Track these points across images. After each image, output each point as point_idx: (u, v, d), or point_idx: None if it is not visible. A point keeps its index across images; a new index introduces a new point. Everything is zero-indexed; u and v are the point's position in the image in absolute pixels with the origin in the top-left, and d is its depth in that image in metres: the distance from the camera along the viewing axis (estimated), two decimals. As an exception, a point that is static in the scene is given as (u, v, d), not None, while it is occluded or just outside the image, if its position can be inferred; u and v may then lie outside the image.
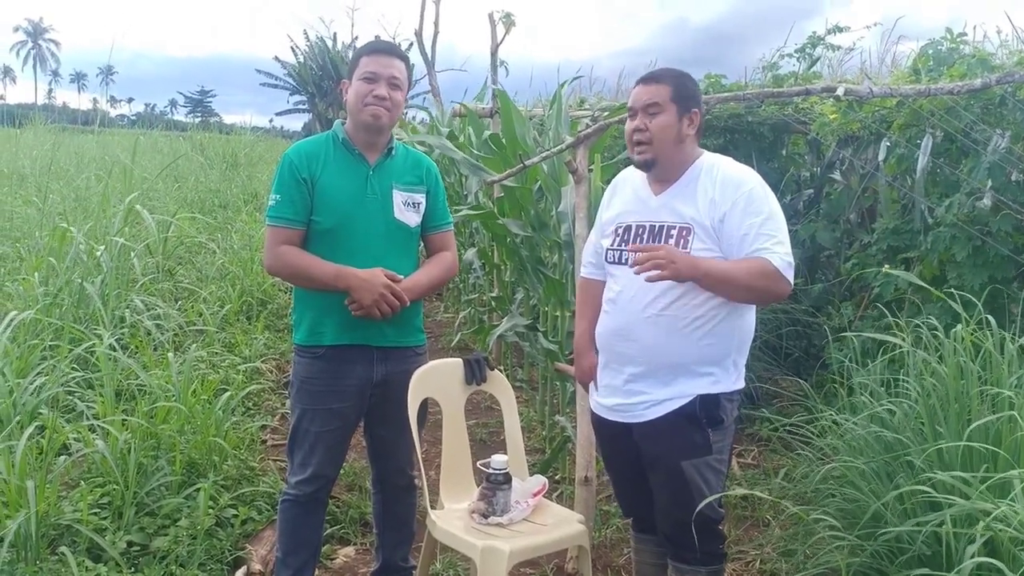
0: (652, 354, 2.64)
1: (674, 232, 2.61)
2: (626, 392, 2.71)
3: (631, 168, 2.92)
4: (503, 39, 7.06)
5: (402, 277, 2.91)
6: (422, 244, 3.17)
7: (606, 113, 4.94)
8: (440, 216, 3.13)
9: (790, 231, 5.28)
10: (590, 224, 3.42)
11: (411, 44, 16.07)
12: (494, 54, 7.02)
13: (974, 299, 2.88)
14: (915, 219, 4.17)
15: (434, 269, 3.09)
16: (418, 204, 3.03)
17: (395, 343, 3.00)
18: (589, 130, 3.92)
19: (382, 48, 2.99)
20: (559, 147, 4.06)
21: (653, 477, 2.74)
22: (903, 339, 2.96)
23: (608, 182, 3.08)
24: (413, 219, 3.01)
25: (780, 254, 2.50)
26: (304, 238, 2.90)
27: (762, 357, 5.15)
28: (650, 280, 2.45)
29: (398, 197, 2.97)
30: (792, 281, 2.54)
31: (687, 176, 2.67)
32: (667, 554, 2.81)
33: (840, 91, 3.50)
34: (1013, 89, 3.54)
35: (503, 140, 5.38)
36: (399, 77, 2.90)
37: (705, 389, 2.62)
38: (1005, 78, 3.36)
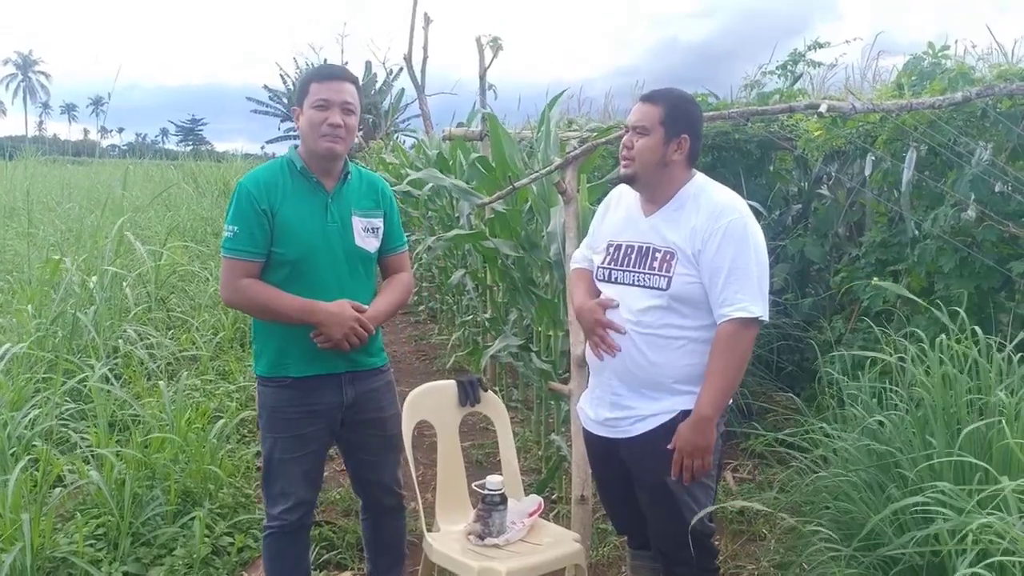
0: (635, 372, 2.67)
1: (659, 255, 2.64)
2: (612, 407, 2.74)
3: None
4: (491, 63, 7.11)
5: (366, 307, 2.89)
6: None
7: (594, 134, 4.98)
8: (396, 238, 3.09)
9: (779, 247, 5.36)
10: (580, 242, 3.45)
11: (400, 69, 16.18)
12: (482, 78, 7.06)
13: (959, 310, 2.90)
14: (902, 232, 4.21)
15: (393, 293, 3.06)
16: (377, 229, 2.99)
17: (361, 366, 2.98)
18: (577, 151, 3.95)
19: (332, 73, 2.89)
20: (548, 168, 4.09)
21: (641, 493, 2.75)
22: (890, 353, 2.98)
23: (597, 202, 3.11)
24: (373, 244, 2.98)
25: (745, 305, 2.51)
26: (263, 269, 2.83)
27: (755, 372, 5.18)
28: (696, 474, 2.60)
29: (358, 224, 2.93)
30: (762, 313, 2.54)
31: (675, 201, 2.69)
32: (661, 570, 2.82)
33: (823, 108, 3.54)
34: (994, 102, 3.59)
35: (492, 163, 5.41)
36: (351, 102, 2.84)
37: (689, 405, 2.62)
38: (985, 91, 3.41)
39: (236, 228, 2.78)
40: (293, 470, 2.92)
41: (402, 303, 3.15)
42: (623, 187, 2.94)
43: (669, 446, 2.58)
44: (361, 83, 2.99)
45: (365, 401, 2.97)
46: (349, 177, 2.95)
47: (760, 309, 2.53)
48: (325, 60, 36.30)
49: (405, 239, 3.19)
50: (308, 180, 2.88)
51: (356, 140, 2.95)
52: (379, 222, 3.00)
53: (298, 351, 2.86)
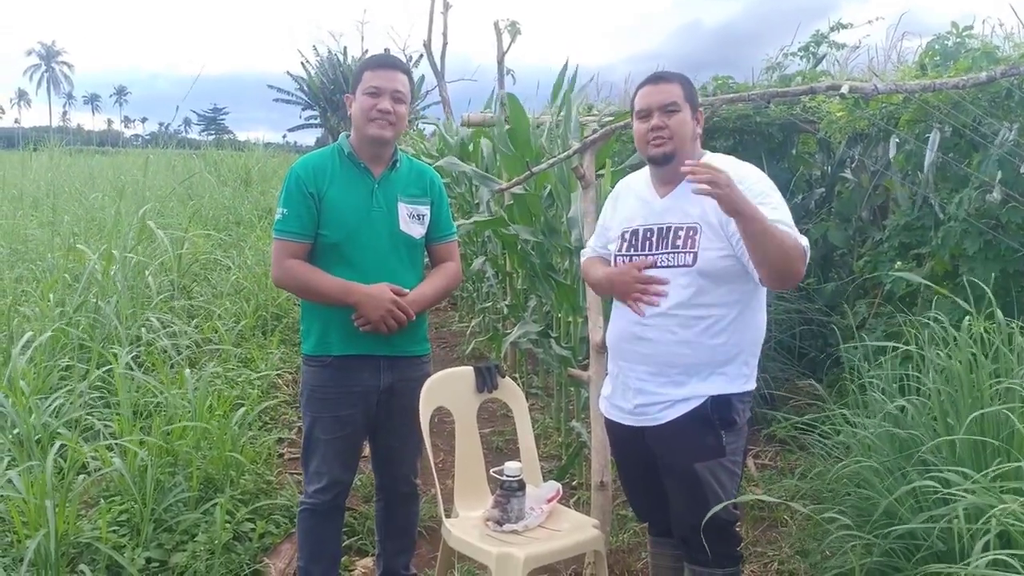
0: (662, 355, 2.64)
1: (681, 232, 2.62)
2: (638, 394, 2.71)
3: (632, 175, 2.95)
4: (509, 47, 7.10)
5: (407, 291, 2.94)
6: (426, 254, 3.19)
7: (612, 118, 4.95)
8: (444, 227, 3.16)
9: (802, 231, 5.31)
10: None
11: (420, 56, 16.17)
12: (500, 63, 7.05)
13: (982, 294, 2.86)
14: (926, 215, 4.15)
15: (439, 280, 3.12)
16: (423, 216, 3.06)
17: (401, 352, 3.04)
18: (595, 135, 3.93)
19: (385, 62, 3.02)
20: (565, 153, 4.06)
21: (667, 480, 2.73)
22: (913, 336, 2.95)
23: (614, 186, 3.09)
24: (418, 231, 3.05)
25: (802, 239, 2.49)
26: (310, 251, 2.93)
27: (777, 357, 5.14)
28: (698, 191, 2.31)
29: (403, 210, 3.01)
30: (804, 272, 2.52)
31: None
32: (683, 557, 2.81)
33: (845, 89, 3.49)
34: (1019, 81, 3.53)
35: (512, 146, 5.38)
36: (402, 91, 2.94)
37: (717, 390, 2.61)
38: (1010, 71, 3.34)
39: (286, 210, 2.91)
40: (329, 450, 3.01)
41: (447, 291, 3.22)
42: (628, 178, 2.95)
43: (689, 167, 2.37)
44: None
45: (401, 389, 3.03)
46: (398, 164, 3.05)
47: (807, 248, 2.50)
48: (344, 48, 36.39)
49: (454, 229, 3.25)
50: (356, 165, 2.98)
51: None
52: (425, 210, 3.07)
53: (340, 331, 2.95)
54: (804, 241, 2.49)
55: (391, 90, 2.90)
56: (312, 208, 2.90)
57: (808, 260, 2.51)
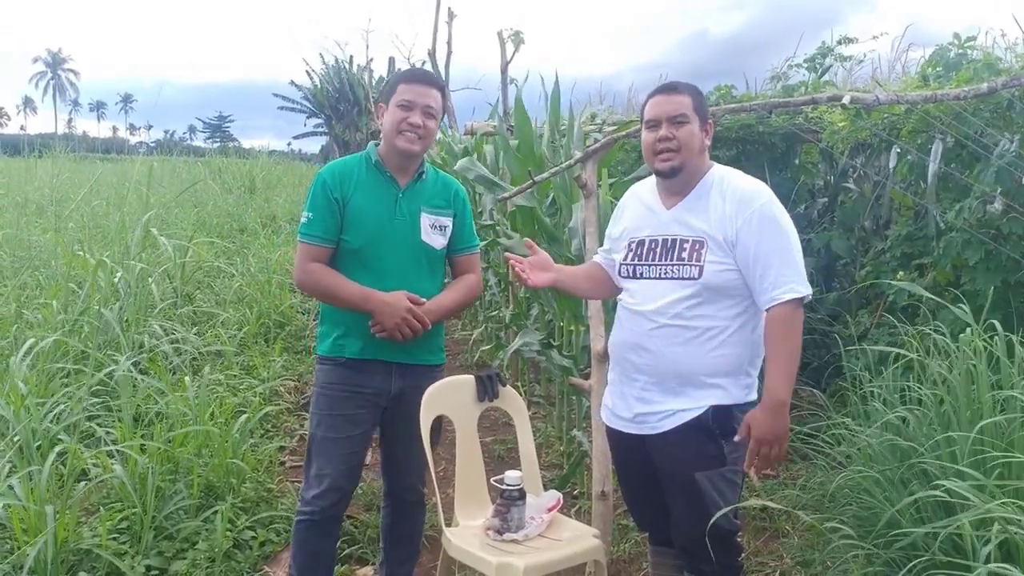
0: (664, 364, 2.64)
1: (687, 245, 2.62)
2: (640, 403, 2.71)
3: (638, 184, 2.95)
4: (512, 57, 7.12)
5: (424, 300, 2.97)
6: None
7: (614, 127, 4.96)
8: (467, 239, 3.18)
9: (805, 241, 5.30)
10: (600, 238, 3.44)
11: (424, 63, 16.23)
12: (504, 72, 7.07)
13: (984, 304, 2.86)
14: (928, 225, 4.15)
15: (457, 291, 3.14)
16: (445, 227, 3.09)
17: (415, 360, 3.05)
18: (597, 145, 3.94)
19: (420, 77, 3.09)
20: (567, 163, 4.07)
21: (668, 489, 2.73)
22: (914, 347, 2.95)
23: (618, 197, 3.09)
24: (439, 242, 3.08)
25: (793, 286, 2.51)
26: (333, 256, 2.97)
27: (779, 367, 5.12)
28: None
29: (425, 220, 3.04)
30: (808, 290, 2.54)
31: (699, 189, 2.68)
32: (684, 567, 2.80)
33: (846, 99, 3.50)
34: (1020, 93, 3.53)
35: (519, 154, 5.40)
36: (434, 106, 2.98)
37: (718, 400, 2.61)
38: (1011, 82, 3.35)
39: (311, 214, 2.97)
40: (333, 450, 3.01)
41: (466, 302, 3.26)
42: (635, 187, 2.96)
43: (737, 438, 2.57)
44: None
45: (412, 396, 3.03)
46: (424, 176, 3.09)
47: (806, 288, 2.54)
48: (350, 57, 36.47)
49: (477, 241, 3.27)
50: (382, 174, 3.03)
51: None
52: (447, 221, 3.10)
53: (358, 336, 2.98)
54: (794, 291, 2.51)
55: (423, 105, 2.95)
56: (336, 213, 2.94)
57: (804, 280, 2.55)
